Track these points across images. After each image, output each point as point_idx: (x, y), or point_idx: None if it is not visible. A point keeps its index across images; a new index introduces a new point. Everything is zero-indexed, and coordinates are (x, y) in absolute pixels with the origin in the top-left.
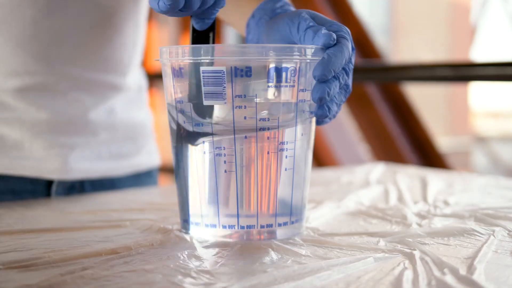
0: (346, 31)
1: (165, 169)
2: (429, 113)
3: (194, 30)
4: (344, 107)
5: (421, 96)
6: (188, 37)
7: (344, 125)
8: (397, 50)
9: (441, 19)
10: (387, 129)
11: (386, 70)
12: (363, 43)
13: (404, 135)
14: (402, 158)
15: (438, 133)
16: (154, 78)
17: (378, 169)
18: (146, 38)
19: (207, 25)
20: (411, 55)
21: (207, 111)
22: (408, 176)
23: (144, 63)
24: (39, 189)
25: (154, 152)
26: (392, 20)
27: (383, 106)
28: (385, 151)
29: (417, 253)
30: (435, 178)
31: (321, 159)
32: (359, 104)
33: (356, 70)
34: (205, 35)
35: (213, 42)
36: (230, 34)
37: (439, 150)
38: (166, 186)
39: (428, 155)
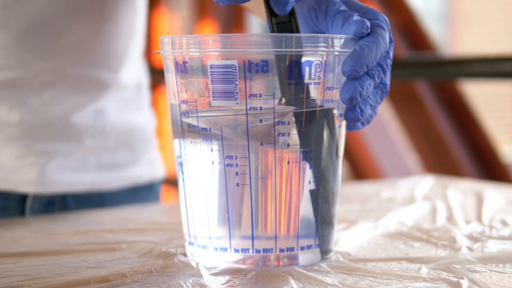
0: (384, 19)
1: (170, 182)
2: (493, 116)
3: (272, 14)
4: (389, 109)
5: (483, 97)
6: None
7: (389, 131)
8: (457, 41)
9: (510, 4)
10: (440, 135)
11: (440, 65)
12: (412, 32)
13: (461, 142)
14: (458, 170)
15: (503, 140)
16: (161, 73)
17: (426, 183)
18: (154, 27)
19: (291, 5)
20: (474, 48)
21: None
22: (461, 191)
23: (148, 56)
24: (11, 205)
25: (156, 161)
26: (451, 6)
27: (436, 107)
28: (438, 162)
29: (465, 282)
30: (493, 193)
31: (361, 171)
32: (407, 106)
33: (404, 64)
34: (287, 21)
35: (298, 29)
36: (252, 24)
37: (504, 161)
38: (171, 203)
39: (489, 167)
